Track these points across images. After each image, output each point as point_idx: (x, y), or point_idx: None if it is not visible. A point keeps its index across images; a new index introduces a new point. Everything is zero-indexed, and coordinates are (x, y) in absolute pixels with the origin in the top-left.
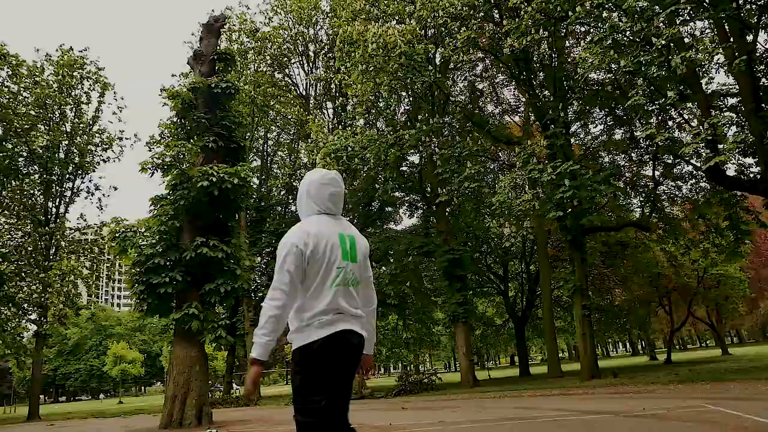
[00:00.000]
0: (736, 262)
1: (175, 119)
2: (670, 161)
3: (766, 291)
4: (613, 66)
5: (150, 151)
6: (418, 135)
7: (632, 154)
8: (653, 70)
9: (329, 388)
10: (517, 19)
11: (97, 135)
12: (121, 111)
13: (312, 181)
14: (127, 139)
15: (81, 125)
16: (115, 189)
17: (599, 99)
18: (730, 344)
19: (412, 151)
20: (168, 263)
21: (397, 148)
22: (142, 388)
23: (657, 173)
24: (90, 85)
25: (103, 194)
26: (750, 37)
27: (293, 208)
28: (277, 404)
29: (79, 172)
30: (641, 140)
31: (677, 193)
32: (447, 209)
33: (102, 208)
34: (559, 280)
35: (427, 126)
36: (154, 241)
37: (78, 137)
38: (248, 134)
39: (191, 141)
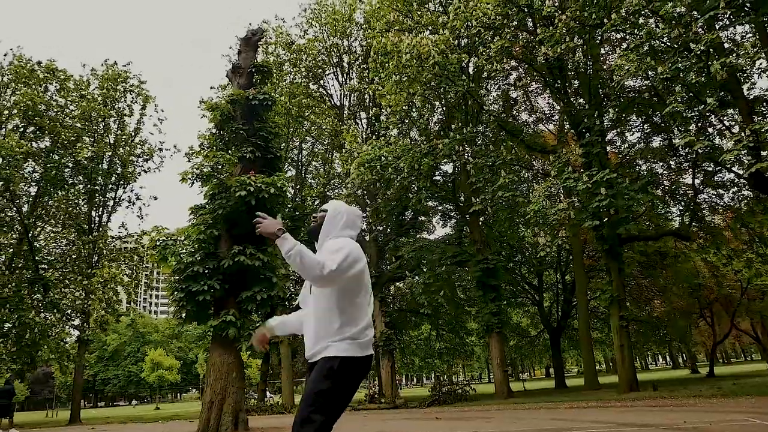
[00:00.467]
0: None
1: (213, 130)
2: (710, 169)
3: None
4: (650, 73)
5: (189, 161)
6: (451, 144)
7: (671, 162)
8: (692, 76)
9: (348, 400)
10: (551, 28)
11: (138, 146)
12: (161, 123)
13: (350, 211)
14: (167, 150)
15: (123, 137)
16: (155, 198)
17: (635, 106)
18: None
19: (445, 160)
20: (206, 271)
21: (431, 158)
22: (178, 394)
23: (697, 181)
24: (132, 98)
25: (144, 204)
26: None
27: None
28: None
29: (121, 182)
30: (680, 148)
31: (718, 201)
32: (480, 219)
33: (142, 217)
34: (596, 291)
35: (461, 135)
36: (193, 249)
37: (120, 148)
38: (283, 144)
39: (229, 152)
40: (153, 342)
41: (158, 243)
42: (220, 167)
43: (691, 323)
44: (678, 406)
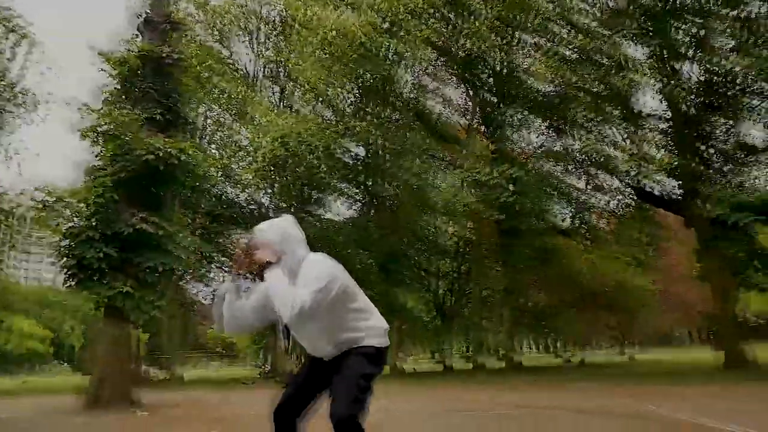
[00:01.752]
0: (650, 275)
1: (118, 87)
2: (599, 175)
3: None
4: (561, 79)
5: (83, 118)
6: (368, 127)
7: (568, 166)
8: (597, 86)
9: None
10: (475, 22)
11: (21, 95)
12: (50, 71)
13: (291, 223)
14: (53, 102)
15: (2, 83)
16: (38, 155)
17: (542, 109)
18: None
19: (359, 143)
20: (101, 237)
21: (346, 138)
22: (40, 366)
23: (589, 187)
24: (16, 40)
25: (23, 159)
26: (682, 66)
27: (230, 190)
28: (202, 388)
29: None
30: (576, 153)
31: (605, 207)
32: (388, 204)
33: (20, 174)
34: (489, 281)
35: (378, 120)
36: (88, 213)
37: None
38: (194, 108)
39: (136, 111)
40: (19, 310)
41: (47, 204)
42: (123, 127)
43: (567, 316)
44: (573, 390)
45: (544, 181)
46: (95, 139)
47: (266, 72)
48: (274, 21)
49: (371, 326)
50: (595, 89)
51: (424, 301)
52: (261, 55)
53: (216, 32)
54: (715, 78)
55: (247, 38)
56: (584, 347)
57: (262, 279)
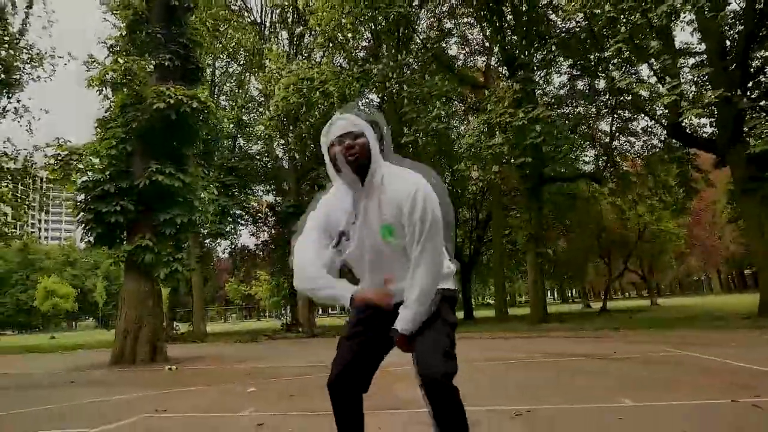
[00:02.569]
0: (679, 218)
1: (124, 33)
2: (626, 116)
3: (694, 248)
4: (595, 11)
5: (88, 71)
6: (385, 70)
7: (591, 108)
8: (636, 17)
9: None
10: None
11: (24, 51)
12: (51, 26)
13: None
14: (59, 57)
15: (6, 38)
16: (47, 112)
17: (569, 48)
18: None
19: (374, 89)
20: (117, 191)
21: (362, 82)
22: (74, 324)
23: (614, 128)
24: None
25: (33, 117)
26: None
27: (242, 142)
28: (226, 341)
29: (5, 90)
30: (602, 93)
31: (629, 149)
32: (409, 150)
33: (32, 131)
34: (512, 228)
35: (395, 62)
36: (102, 166)
37: (3, 51)
38: (204, 56)
39: (144, 57)
40: (44, 269)
41: (61, 158)
42: (132, 75)
43: (589, 263)
44: (596, 338)
45: (569, 124)
46: (100, 90)
47: (276, 18)
48: None
49: (449, 266)
50: (631, 21)
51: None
52: (269, 1)
53: None
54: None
55: None
56: (608, 294)
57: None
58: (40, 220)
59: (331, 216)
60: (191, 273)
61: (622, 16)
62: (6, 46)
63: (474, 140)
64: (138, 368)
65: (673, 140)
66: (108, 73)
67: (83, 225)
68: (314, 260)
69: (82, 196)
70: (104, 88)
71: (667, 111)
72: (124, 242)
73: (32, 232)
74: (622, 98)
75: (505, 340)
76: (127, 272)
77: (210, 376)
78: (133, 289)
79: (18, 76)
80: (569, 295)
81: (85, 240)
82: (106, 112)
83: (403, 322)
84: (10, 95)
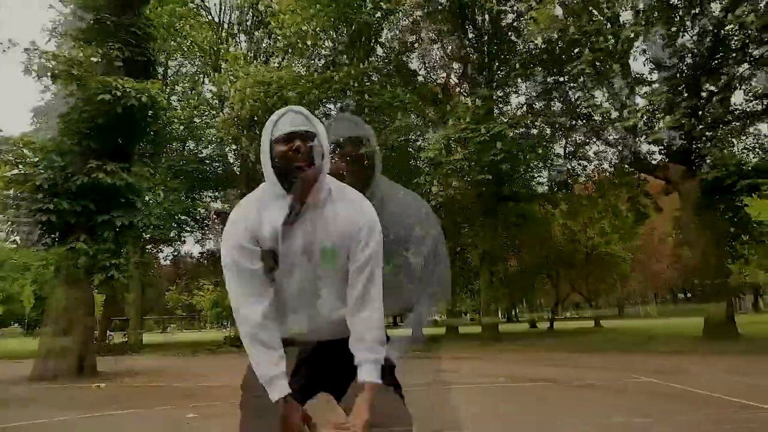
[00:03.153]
0: (628, 241)
1: (72, 21)
2: (580, 139)
3: (636, 271)
4: (556, 34)
5: (30, 59)
6: (347, 78)
7: (551, 128)
8: (600, 40)
9: None
10: None
11: None
12: None
13: None
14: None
15: None
16: None
17: (531, 67)
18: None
19: (332, 97)
20: (52, 187)
21: (322, 90)
22: None
23: (567, 150)
24: None
25: None
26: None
27: (191, 145)
28: (163, 354)
29: None
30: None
31: (581, 171)
32: (365, 163)
33: None
34: (464, 246)
35: (356, 70)
36: (36, 159)
37: None
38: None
39: (91, 45)
40: None
41: None
42: (76, 63)
43: (538, 282)
44: (556, 360)
45: (528, 143)
46: (39, 77)
47: (234, 19)
48: None
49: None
50: (592, 43)
51: (393, 265)
52: (229, 2)
53: None
54: (709, 40)
55: None
56: (553, 313)
57: None
58: None
59: (257, 233)
60: (129, 280)
61: (583, 39)
62: None
63: (435, 154)
64: (62, 384)
65: (625, 165)
66: (49, 61)
67: (9, 223)
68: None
69: (11, 192)
70: (44, 76)
71: (624, 135)
72: (56, 243)
73: None
74: (578, 121)
75: (462, 361)
76: (57, 277)
77: (143, 397)
78: (62, 296)
79: None
80: (513, 314)
81: (10, 240)
82: (44, 102)
83: (369, 372)
84: None
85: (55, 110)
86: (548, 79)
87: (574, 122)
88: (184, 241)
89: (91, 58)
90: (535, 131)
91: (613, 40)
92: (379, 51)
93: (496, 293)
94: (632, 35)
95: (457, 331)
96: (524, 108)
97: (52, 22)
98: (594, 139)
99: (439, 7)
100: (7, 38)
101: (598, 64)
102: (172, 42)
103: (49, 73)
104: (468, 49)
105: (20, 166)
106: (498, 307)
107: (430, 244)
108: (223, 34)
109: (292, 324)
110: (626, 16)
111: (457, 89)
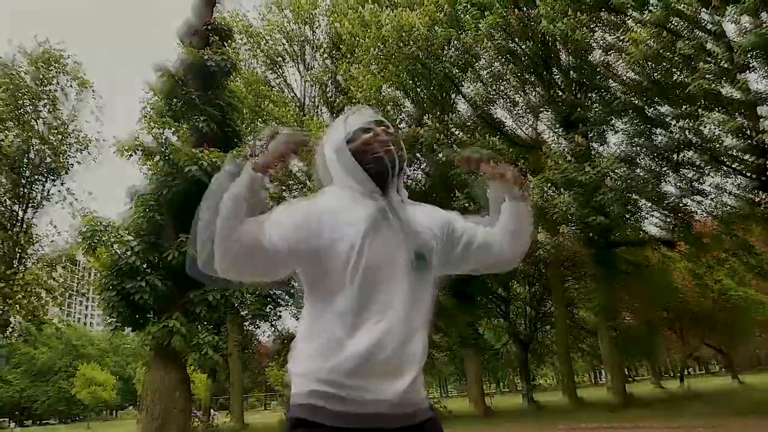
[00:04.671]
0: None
1: (160, 101)
2: (690, 175)
3: None
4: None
5: (120, 141)
6: (433, 132)
7: (659, 166)
8: (709, 59)
9: None
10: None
11: (72, 135)
12: (100, 110)
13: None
14: (104, 141)
15: (55, 124)
16: (90, 194)
17: (628, 105)
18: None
19: (421, 153)
20: (146, 265)
21: (409, 148)
22: (114, 412)
23: (680, 185)
24: (67, 81)
25: (76, 199)
26: None
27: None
28: None
29: (51, 175)
30: (670, 148)
31: (698, 208)
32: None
33: (75, 215)
34: (574, 301)
35: (441, 123)
36: (129, 238)
37: (51, 137)
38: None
39: (179, 123)
40: (87, 356)
41: (86, 229)
42: (165, 140)
43: (661, 335)
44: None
45: (634, 182)
46: (129, 156)
47: (315, 93)
48: (319, 40)
49: None
50: (696, 65)
51: (492, 327)
52: (310, 76)
53: (261, 55)
54: None
55: (293, 61)
56: (683, 370)
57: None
58: (87, 306)
59: (322, 222)
60: (227, 358)
61: (686, 61)
62: (56, 131)
63: (537, 199)
64: None
65: (749, 195)
66: (138, 139)
67: (106, 304)
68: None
69: (108, 272)
70: (134, 154)
71: (750, 159)
72: (151, 323)
73: (76, 319)
74: (688, 152)
75: None
76: (152, 358)
77: None
78: (157, 379)
79: (64, 161)
80: (633, 372)
81: (107, 322)
82: (147, 180)
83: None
84: (56, 180)
85: (147, 188)
86: (648, 112)
87: (683, 155)
88: (280, 317)
89: (179, 134)
90: (640, 171)
91: (725, 57)
92: (461, 106)
93: (616, 352)
94: (749, 47)
95: (576, 396)
96: (624, 145)
97: (141, 103)
98: (710, 170)
99: (521, 58)
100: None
101: (707, 86)
102: (259, 122)
103: (140, 153)
104: (556, 91)
105: (115, 247)
106: (623, 366)
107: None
108: (306, 108)
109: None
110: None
111: (549, 133)
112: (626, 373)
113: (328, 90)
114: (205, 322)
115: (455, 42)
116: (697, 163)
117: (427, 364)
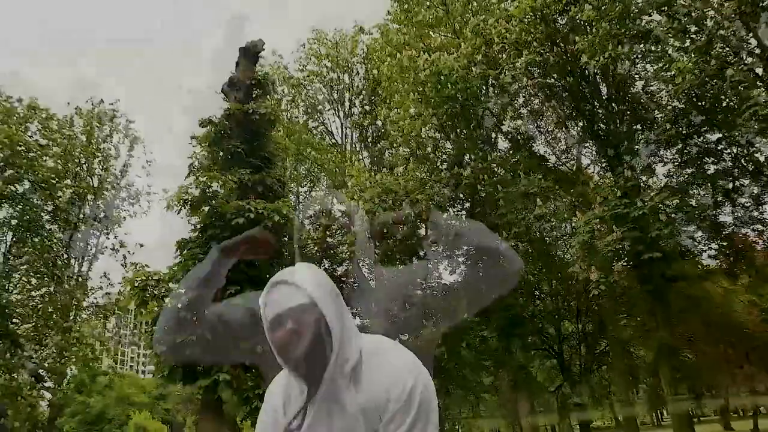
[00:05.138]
0: None
1: (206, 153)
2: (748, 204)
3: None
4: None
5: (169, 195)
6: (475, 173)
7: (710, 194)
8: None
9: None
10: (589, 35)
11: (124, 189)
12: (149, 165)
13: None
14: (154, 193)
15: (108, 179)
16: (141, 246)
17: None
18: None
19: (464, 193)
20: (195, 318)
21: (451, 188)
22: None
23: (737, 214)
24: (119, 138)
25: (128, 251)
26: None
27: (326, 264)
28: None
29: (104, 228)
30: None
31: (758, 239)
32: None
33: (126, 266)
34: (630, 339)
35: (484, 162)
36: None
37: (105, 191)
38: (287, 167)
39: (224, 175)
40: (139, 404)
41: (137, 284)
42: (212, 192)
43: (725, 373)
44: None
45: (685, 216)
46: (179, 211)
47: (354, 138)
48: (357, 86)
49: None
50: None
51: (545, 368)
52: (349, 122)
53: (302, 104)
54: None
55: (332, 107)
56: (757, 411)
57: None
58: (138, 354)
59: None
60: None
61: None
62: (108, 186)
63: (588, 237)
64: None
65: None
66: (186, 192)
67: (157, 357)
68: None
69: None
70: (183, 208)
71: None
72: (201, 377)
73: (129, 367)
74: (748, 179)
75: None
76: (202, 411)
77: None
78: (208, 429)
79: (116, 214)
80: (699, 412)
81: (158, 375)
82: (190, 232)
83: None
84: (108, 232)
85: (196, 240)
86: (698, 140)
87: (738, 182)
88: None
89: (226, 186)
90: (693, 201)
91: None
92: (503, 143)
93: (678, 391)
94: None
95: None
96: (674, 176)
97: (189, 158)
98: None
99: (561, 93)
100: (161, 188)
101: (761, 111)
102: (301, 169)
103: (188, 206)
104: (599, 124)
105: (165, 300)
106: (688, 407)
107: None
108: (347, 154)
109: None
110: None
111: (594, 167)
112: (690, 413)
113: (368, 134)
114: (254, 375)
115: (493, 81)
116: (755, 191)
117: (477, 407)
